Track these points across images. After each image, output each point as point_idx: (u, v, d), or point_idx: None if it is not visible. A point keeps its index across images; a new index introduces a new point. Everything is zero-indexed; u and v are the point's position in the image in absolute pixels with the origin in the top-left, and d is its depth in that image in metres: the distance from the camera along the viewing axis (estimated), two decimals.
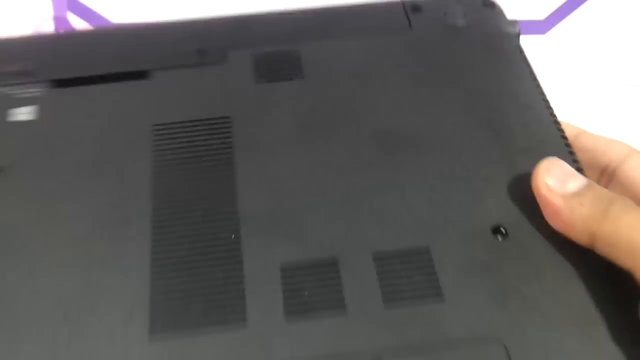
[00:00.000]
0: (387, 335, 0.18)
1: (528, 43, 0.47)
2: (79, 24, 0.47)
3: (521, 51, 0.26)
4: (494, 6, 0.28)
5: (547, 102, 0.24)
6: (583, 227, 0.19)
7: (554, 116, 0.24)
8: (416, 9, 0.28)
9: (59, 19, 0.46)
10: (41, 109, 0.24)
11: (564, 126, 0.23)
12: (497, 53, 0.26)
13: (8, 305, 0.19)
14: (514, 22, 0.27)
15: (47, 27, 0.47)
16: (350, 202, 0.21)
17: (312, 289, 0.19)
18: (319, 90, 0.25)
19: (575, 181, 0.20)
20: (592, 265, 0.20)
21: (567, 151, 0.22)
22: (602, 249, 0.19)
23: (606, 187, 0.22)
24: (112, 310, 0.19)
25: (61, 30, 0.28)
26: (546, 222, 0.20)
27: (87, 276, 0.19)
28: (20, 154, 0.23)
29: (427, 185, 0.22)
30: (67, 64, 0.26)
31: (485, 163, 0.22)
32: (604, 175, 0.24)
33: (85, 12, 0.46)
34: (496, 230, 0.21)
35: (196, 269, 0.20)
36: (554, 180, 0.20)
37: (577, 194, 0.20)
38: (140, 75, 0.25)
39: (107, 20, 0.48)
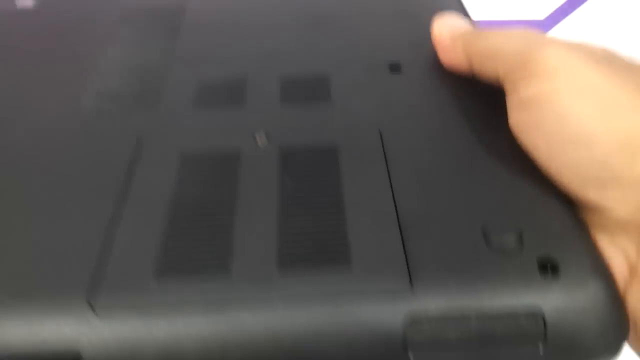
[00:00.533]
0: (281, 122, 0.23)
1: None
2: None
3: None
4: None
5: (463, 6, 0.29)
6: (462, 52, 0.24)
7: (467, 14, 0.29)
8: None
9: None
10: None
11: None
12: None
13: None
14: None
15: None
16: (273, 45, 0.27)
17: (220, 93, 0.24)
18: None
19: (463, 25, 0.26)
20: (469, 92, 0.24)
21: (466, 15, 0.28)
22: (475, 65, 0.24)
23: None
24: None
25: None
26: (438, 61, 0.25)
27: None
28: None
29: (335, 33, 0.28)
30: None
31: (393, 24, 0.28)
32: None
33: None
34: (392, 65, 0.25)
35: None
36: (445, 25, 0.26)
37: (463, 32, 0.25)
38: None
39: None
